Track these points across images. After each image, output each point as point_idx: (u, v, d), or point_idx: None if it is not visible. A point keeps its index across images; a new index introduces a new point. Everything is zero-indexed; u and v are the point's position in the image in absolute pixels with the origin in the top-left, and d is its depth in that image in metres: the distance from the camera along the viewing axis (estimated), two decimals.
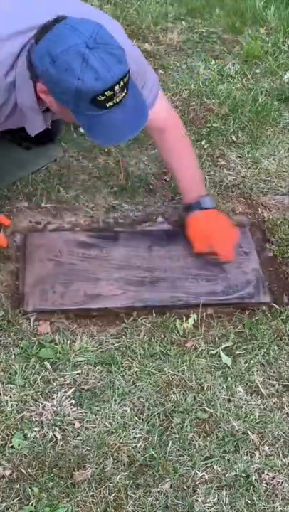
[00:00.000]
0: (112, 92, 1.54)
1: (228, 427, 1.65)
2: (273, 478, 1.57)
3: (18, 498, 1.49)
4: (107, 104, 1.56)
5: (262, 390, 1.73)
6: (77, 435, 1.61)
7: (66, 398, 1.67)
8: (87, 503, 1.49)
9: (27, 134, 1.94)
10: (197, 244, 2.00)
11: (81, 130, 2.44)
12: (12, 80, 1.65)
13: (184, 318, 1.87)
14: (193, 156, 2.10)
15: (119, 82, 1.54)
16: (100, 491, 1.51)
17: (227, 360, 1.79)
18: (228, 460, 1.59)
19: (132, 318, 1.87)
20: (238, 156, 2.43)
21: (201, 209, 2.01)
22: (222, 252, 1.99)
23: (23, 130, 1.88)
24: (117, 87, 1.54)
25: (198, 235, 2.01)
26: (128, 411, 1.66)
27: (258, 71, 2.84)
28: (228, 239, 2.02)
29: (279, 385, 1.75)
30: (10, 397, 1.66)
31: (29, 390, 1.68)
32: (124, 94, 1.57)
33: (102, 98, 1.53)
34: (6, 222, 2.04)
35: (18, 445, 1.57)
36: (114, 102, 1.56)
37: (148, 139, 2.44)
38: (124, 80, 1.55)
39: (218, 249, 1.99)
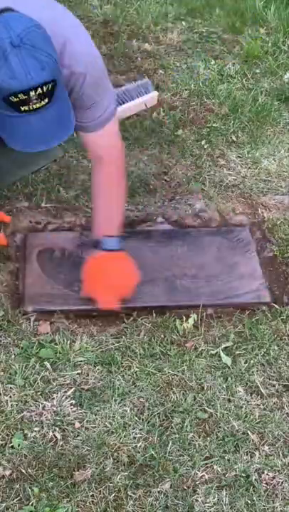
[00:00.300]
0: (27, 97, 1.44)
1: (228, 427, 1.65)
2: (273, 478, 1.57)
3: (18, 498, 1.49)
4: (22, 108, 1.46)
5: (262, 390, 1.73)
6: (77, 435, 1.61)
7: (66, 398, 1.67)
8: (87, 503, 1.49)
9: None
10: (83, 287, 1.88)
11: None
12: None
13: (184, 318, 1.87)
14: (118, 197, 1.92)
15: (36, 89, 1.44)
16: (100, 491, 1.51)
17: (227, 360, 1.79)
18: (228, 460, 1.59)
19: (132, 318, 1.87)
20: (238, 156, 2.43)
21: (103, 249, 1.87)
22: (100, 300, 1.85)
23: None
24: (32, 93, 1.44)
25: (86, 277, 1.88)
26: (128, 411, 1.66)
27: (258, 71, 2.84)
28: (112, 288, 1.87)
29: (279, 385, 1.75)
30: (10, 397, 1.66)
31: (29, 390, 1.68)
32: (43, 103, 1.47)
33: (15, 100, 1.44)
34: (6, 220, 2.03)
35: (18, 445, 1.57)
36: (30, 108, 1.46)
37: (148, 139, 2.44)
38: (44, 89, 1.45)
39: (98, 296, 1.85)
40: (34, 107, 1.47)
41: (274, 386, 1.75)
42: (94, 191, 1.94)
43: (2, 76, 1.43)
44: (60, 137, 1.59)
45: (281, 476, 1.57)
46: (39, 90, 1.45)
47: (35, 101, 1.46)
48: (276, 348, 1.83)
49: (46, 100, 1.48)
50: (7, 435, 1.59)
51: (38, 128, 1.51)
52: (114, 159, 1.89)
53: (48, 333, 1.81)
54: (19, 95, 1.44)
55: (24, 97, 1.44)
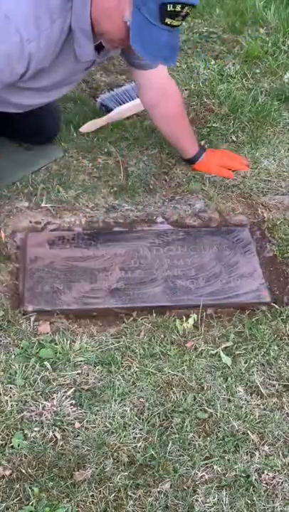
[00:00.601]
0: (179, 11, 1.62)
1: (228, 427, 1.65)
2: (273, 478, 1.57)
3: (18, 498, 1.49)
4: (166, 20, 1.63)
5: (262, 390, 1.73)
6: (77, 435, 1.61)
7: (66, 398, 1.67)
8: (87, 503, 1.49)
9: (27, 134, 1.95)
10: (215, 169, 2.33)
11: (81, 130, 2.44)
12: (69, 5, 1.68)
13: (184, 318, 1.87)
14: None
15: (189, 7, 1.62)
16: (100, 491, 1.51)
17: (227, 360, 1.79)
18: (228, 460, 1.59)
19: (132, 318, 1.87)
20: None
21: (204, 151, 2.33)
22: (238, 165, 2.36)
23: (24, 129, 1.88)
24: (185, 9, 1.62)
25: (216, 163, 2.34)
26: (128, 411, 1.66)
27: (258, 71, 2.84)
28: (236, 156, 2.40)
29: (279, 385, 1.75)
30: (10, 397, 1.66)
31: (29, 390, 1.68)
32: (179, 23, 1.65)
33: (169, 9, 1.60)
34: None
35: (18, 445, 1.57)
36: (171, 23, 1.63)
37: (148, 139, 2.44)
38: (188, 11, 1.63)
39: (235, 166, 2.35)
40: (174, 23, 1.65)
41: (274, 386, 1.75)
42: (175, 117, 2.23)
43: None
44: (174, 59, 1.77)
45: (281, 476, 1.57)
46: (186, 10, 1.63)
47: (179, 18, 1.64)
48: (276, 348, 1.83)
49: (181, 23, 1.67)
50: (7, 435, 1.59)
51: (165, 43, 1.68)
52: (176, 86, 2.22)
53: (48, 333, 1.81)
54: (176, 6, 1.61)
55: (177, 10, 1.62)
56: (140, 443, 1.60)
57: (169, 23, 1.63)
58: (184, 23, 1.68)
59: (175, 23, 1.64)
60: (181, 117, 2.26)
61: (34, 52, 1.66)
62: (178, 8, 1.61)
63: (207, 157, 2.32)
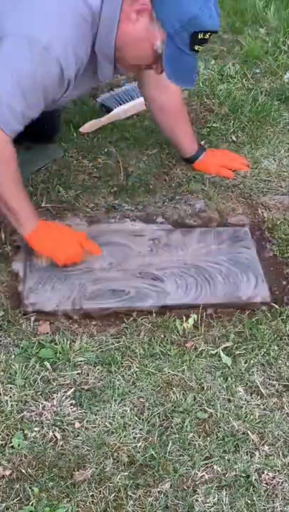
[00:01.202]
0: (207, 38, 1.70)
1: (228, 427, 1.65)
2: (273, 478, 1.57)
3: (18, 498, 1.49)
4: (196, 47, 1.71)
5: (262, 390, 1.73)
6: (77, 435, 1.61)
7: (66, 398, 1.67)
8: (87, 503, 1.49)
9: (27, 133, 1.94)
10: (215, 169, 2.34)
11: (81, 130, 2.44)
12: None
13: (184, 318, 1.87)
14: None
15: (214, 33, 1.71)
16: (100, 491, 1.51)
17: (227, 360, 1.79)
18: (228, 460, 1.59)
19: (132, 318, 1.87)
20: None
21: (204, 150, 2.35)
22: (238, 165, 2.37)
23: (24, 128, 1.88)
24: (210, 36, 1.71)
25: (216, 163, 2.35)
26: (128, 411, 1.66)
27: (258, 71, 2.84)
28: (236, 156, 2.40)
29: (279, 385, 1.75)
30: (10, 397, 1.66)
31: (29, 390, 1.68)
32: (203, 47, 1.74)
33: (200, 37, 1.69)
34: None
35: (18, 445, 1.57)
36: (198, 49, 1.72)
37: (148, 138, 2.44)
38: (211, 36, 1.72)
39: (235, 166, 2.36)
40: (200, 49, 1.73)
41: (274, 386, 1.75)
42: (174, 110, 2.24)
43: (204, 14, 1.66)
44: (192, 82, 1.86)
45: (281, 476, 1.57)
46: (210, 36, 1.71)
47: (204, 44, 1.73)
48: (276, 348, 1.83)
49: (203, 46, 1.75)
50: (7, 435, 1.59)
51: (192, 68, 1.78)
52: None
53: (48, 333, 1.81)
54: (206, 34, 1.70)
55: (206, 37, 1.71)
56: (140, 443, 1.60)
57: (196, 49, 1.72)
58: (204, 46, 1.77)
59: (200, 48, 1.73)
60: (180, 110, 2.27)
61: (72, 76, 1.77)
62: (207, 36, 1.71)
63: (207, 157, 2.32)
